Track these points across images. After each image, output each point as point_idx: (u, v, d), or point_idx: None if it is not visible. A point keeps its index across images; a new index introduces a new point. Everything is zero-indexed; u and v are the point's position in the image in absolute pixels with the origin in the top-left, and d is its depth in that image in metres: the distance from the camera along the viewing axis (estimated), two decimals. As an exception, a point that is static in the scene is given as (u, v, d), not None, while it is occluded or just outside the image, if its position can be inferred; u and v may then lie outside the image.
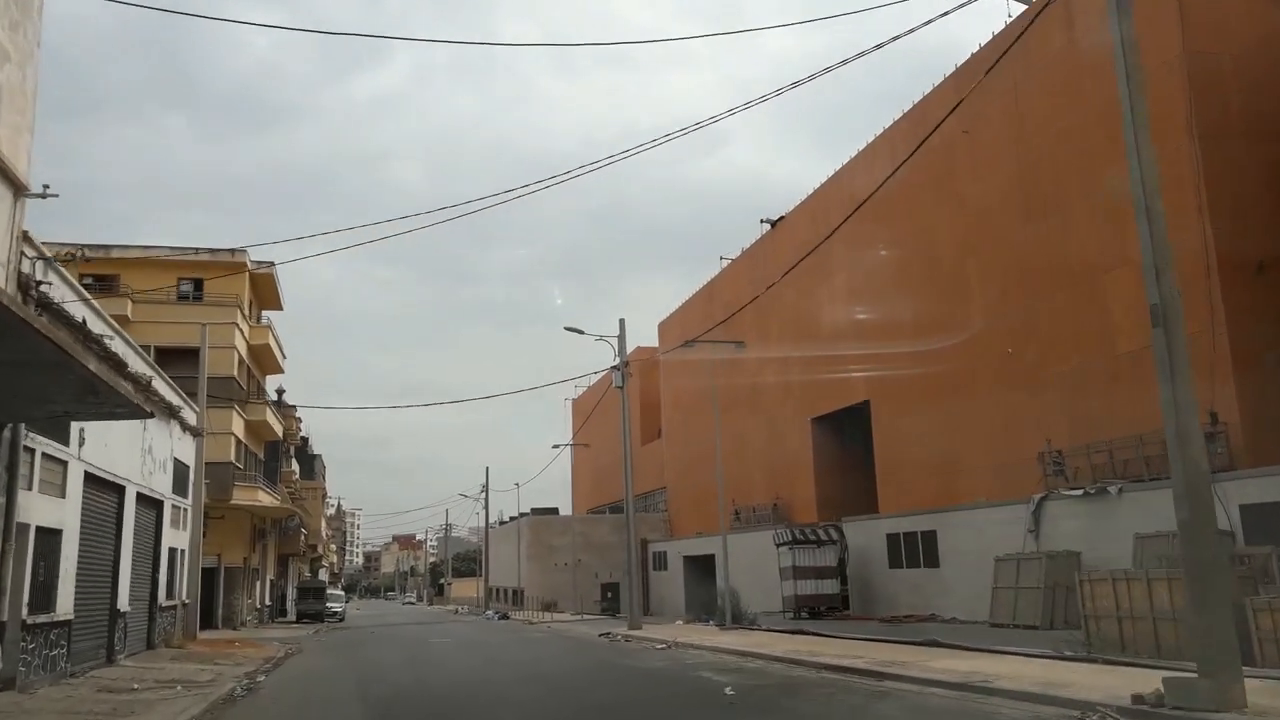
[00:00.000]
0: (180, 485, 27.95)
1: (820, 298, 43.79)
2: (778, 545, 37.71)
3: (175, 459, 26.81)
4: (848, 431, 45.02)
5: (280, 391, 57.72)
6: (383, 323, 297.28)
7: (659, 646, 23.00)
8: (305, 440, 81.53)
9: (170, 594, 27.52)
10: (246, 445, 42.77)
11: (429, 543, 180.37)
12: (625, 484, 32.11)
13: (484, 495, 66.62)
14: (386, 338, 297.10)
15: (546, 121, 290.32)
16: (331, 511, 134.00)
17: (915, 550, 33.90)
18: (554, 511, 72.43)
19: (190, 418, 29.12)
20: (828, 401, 43.23)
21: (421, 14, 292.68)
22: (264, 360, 45.38)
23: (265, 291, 45.35)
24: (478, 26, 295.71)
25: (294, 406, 61.19)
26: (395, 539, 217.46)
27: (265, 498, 41.79)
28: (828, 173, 45.94)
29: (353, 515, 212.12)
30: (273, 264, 43.73)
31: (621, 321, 34.43)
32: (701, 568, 56.80)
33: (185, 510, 29.05)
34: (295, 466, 66.47)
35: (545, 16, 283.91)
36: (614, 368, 32.85)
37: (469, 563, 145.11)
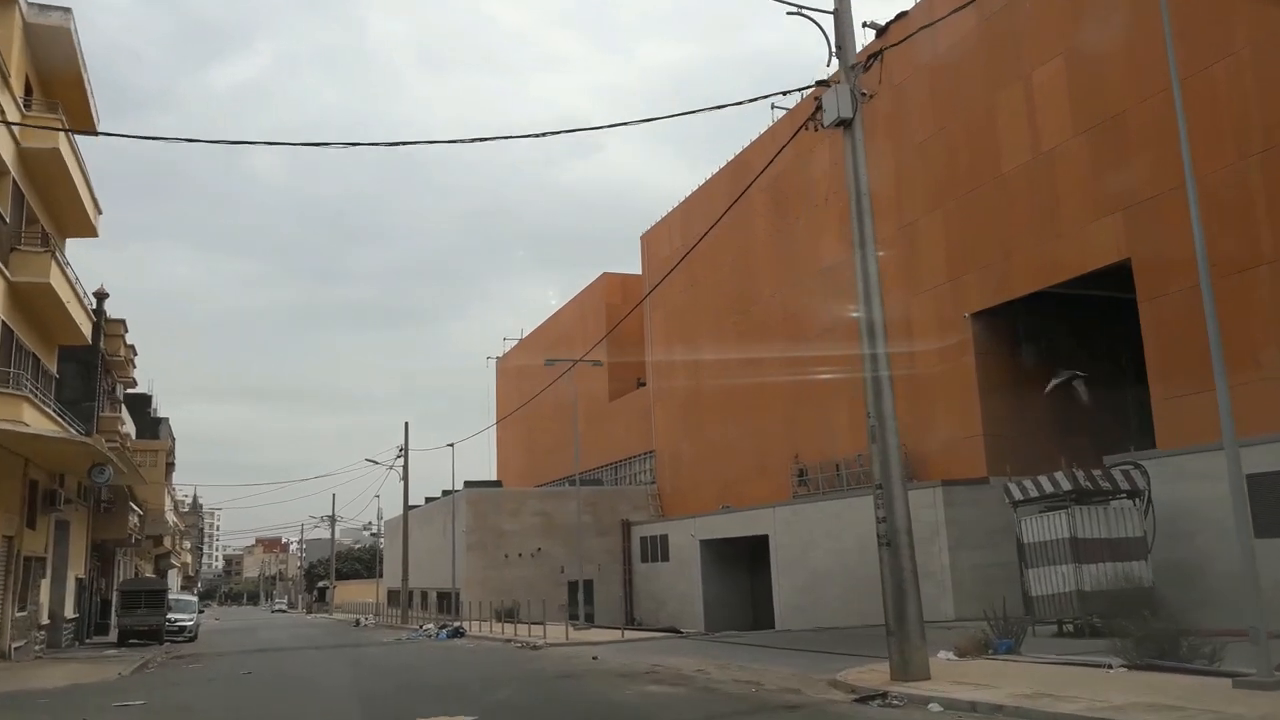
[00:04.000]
0: None
1: (1008, 106, 27.20)
2: (1015, 505, 20.91)
3: None
4: (1040, 329, 28.73)
5: (101, 295, 37.90)
6: (245, 323, 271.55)
7: None
8: (149, 399, 61.01)
9: None
10: (11, 329, 23.44)
11: (300, 543, 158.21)
12: (865, 324, 14.19)
13: (402, 458, 47.69)
14: (249, 339, 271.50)
15: (416, 119, 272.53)
16: (185, 507, 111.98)
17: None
18: (497, 485, 54.08)
19: None
20: (1019, 278, 26.75)
21: (288, 4, 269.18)
22: (53, 190, 25.90)
23: (56, 72, 25.85)
24: (345, 20, 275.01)
25: (121, 321, 41.29)
26: (259, 541, 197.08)
27: (37, 419, 22.49)
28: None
29: (212, 515, 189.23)
30: (68, 10, 24.51)
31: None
32: (737, 556, 39.77)
33: None
34: (127, 417, 46.25)
35: (416, 14, 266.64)
36: (820, 85, 14.64)
37: (352, 563, 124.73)
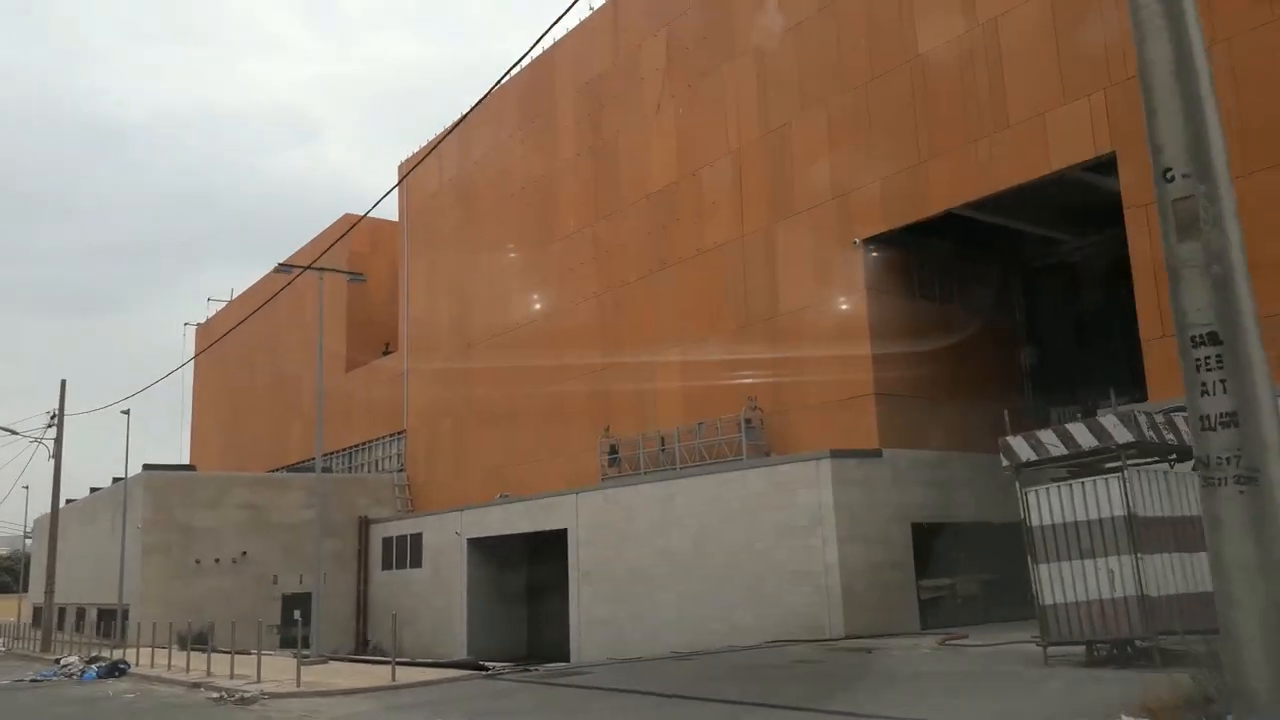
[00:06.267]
0: None
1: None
2: (1018, 470, 14.02)
3: None
4: (945, 264, 22.87)
5: None
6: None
7: None
8: None
9: None
10: None
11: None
12: None
13: (55, 424, 34.79)
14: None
15: (109, 87, 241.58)
16: None
17: None
18: (190, 470, 42.20)
19: None
20: (939, 190, 20.46)
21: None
22: None
23: None
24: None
25: None
26: None
27: None
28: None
29: None
30: None
31: None
32: (516, 559, 31.57)
33: None
34: None
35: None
36: None
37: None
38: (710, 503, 22.74)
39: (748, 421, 23.45)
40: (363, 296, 44.99)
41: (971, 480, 22.10)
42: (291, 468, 43.72)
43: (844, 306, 21.97)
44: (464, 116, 25.32)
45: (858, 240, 21.80)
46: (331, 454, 45.00)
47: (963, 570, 21.60)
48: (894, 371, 21.50)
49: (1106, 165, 18.38)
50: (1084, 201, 21.41)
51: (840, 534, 19.93)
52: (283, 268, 20.54)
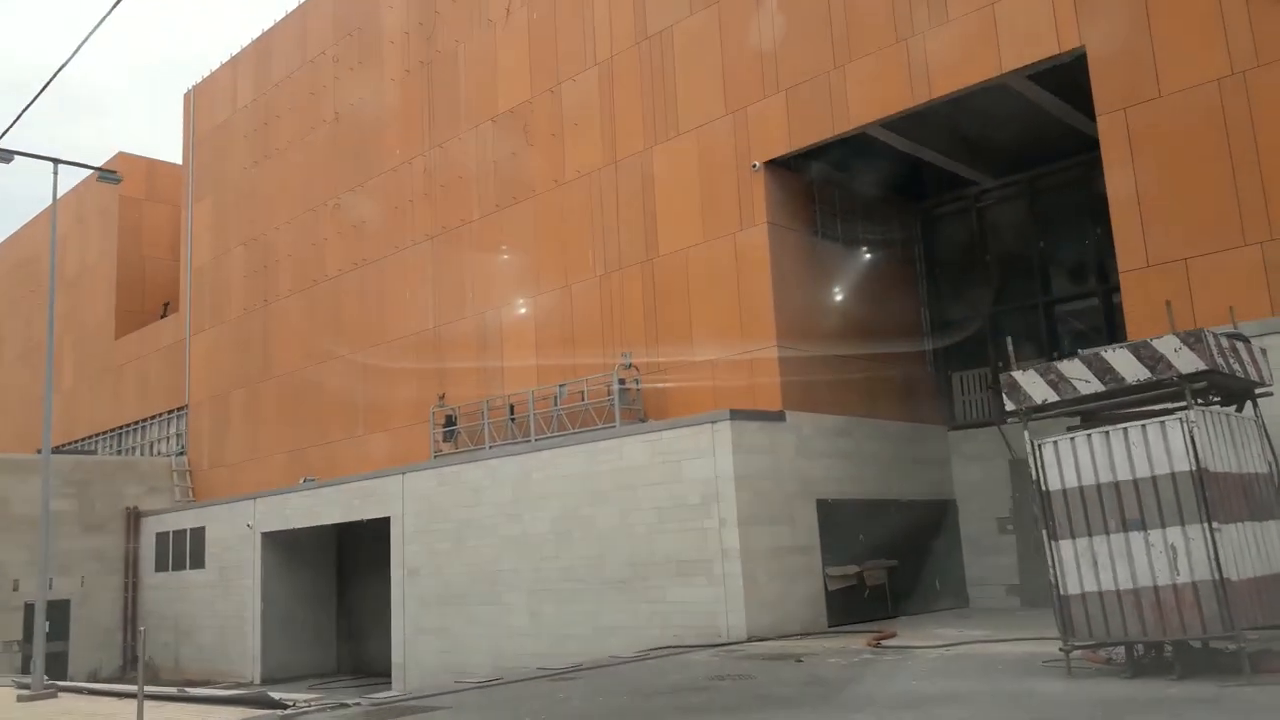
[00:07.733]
0: None
1: None
2: (1027, 417, 10.57)
3: None
4: (858, 192, 19.66)
5: None
6: None
7: None
8: None
9: None
10: None
11: None
12: None
13: None
14: None
15: None
16: None
17: None
18: (-94, 454, 34.20)
19: None
20: (861, 98, 17.03)
21: None
22: None
23: None
24: None
25: None
26: None
27: None
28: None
29: None
30: None
31: None
32: (323, 557, 26.50)
33: None
34: None
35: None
36: None
37: None
38: (577, 480, 18.58)
39: (621, 383, 19.43)
40: (138, 249, 38.21)
41: (878, 451, 19.10)
42: (62, 451, 36.36)
43: (739, 245, 18.29)
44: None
45: (757, 164, 18.18)
46: (97, 435, 37.97)
47: (869, 556, 18.46)
48: (796, 322, 18.05)
49: (1060, 74, 15.57)
50: (1015, 132, 18.74)
51: (741, 514, 16.23)
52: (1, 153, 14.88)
